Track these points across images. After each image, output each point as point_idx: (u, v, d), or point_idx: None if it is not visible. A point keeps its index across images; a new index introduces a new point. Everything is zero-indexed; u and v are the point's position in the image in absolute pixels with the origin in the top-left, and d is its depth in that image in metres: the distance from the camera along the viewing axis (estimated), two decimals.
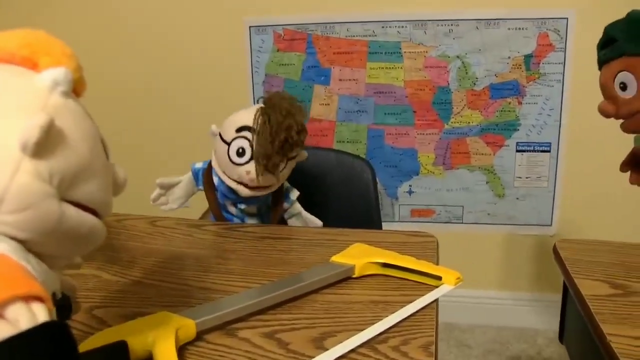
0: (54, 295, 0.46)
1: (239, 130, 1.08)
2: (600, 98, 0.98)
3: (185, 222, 1.14)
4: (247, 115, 1.09)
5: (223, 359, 0.66)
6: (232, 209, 1.20)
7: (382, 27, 2.07)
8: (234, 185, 1.11)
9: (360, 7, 2.08)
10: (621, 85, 0.95)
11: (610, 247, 0.99)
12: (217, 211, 1.20)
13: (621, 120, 1.00)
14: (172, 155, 2.28)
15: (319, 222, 1.25)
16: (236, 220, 1.21)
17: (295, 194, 1.23)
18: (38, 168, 0.41)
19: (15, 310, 0.38)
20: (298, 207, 1.24)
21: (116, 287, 0.86)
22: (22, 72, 0.46)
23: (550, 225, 2.18)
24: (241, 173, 1.08)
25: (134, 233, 1.08)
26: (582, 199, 2.12)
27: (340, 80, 2.14)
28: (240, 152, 1.07)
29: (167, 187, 1.25)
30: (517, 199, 2.17)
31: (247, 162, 1.07)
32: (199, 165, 1.23)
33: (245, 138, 1.07)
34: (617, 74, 0.95)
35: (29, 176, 0.41)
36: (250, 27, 2.15)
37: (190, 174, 1.23)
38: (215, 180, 1.17)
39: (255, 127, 1.06)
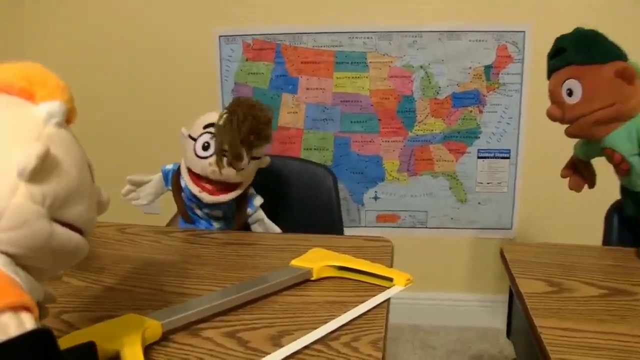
0: (38, 304, 0.51)
1: (206, 127, 1.16)
2: None
3: (154, 228, 1.18)
4: (215, 115, 1.17)
5: (187, 357, 0.70)
6: (199, 212, 1.25)
7: (349, 37, 2.13)
8: (196, 191, 1.17)
9: (328, 19, 2.14)
10: (568, 91, 1.04)
11: (551, 249, 1.06)
12: (185, 213, 1.25)
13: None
14: (143, 161, 2.31)
15: (278, 230, 1.30)
16: (203, 222, 1.26)
17: (259, 200, 1.28)
18: (32, 191, 0.47)
19: (5, 319, 0.43)
20: (261, 213, 1.29)
21: (85, 292, 0.89)
22: (20, 103, 0.51)
23: (511, 228, 2.25)
24: (204, 165, 1.14)
25: (103, 240, 1.12)
26: (541, 203, 2.20)
27: (307, 89, 2.19)
28: (206, 146, 1.14)
29: (137, 184, 1.31)
30: (479, 203, 2.24)
31: (211, 155, 1.14)
32: (169, 166, 1.29)
33: (211, 133, 1.14)
34: (564, 81, 1.04)
35: (24, 198, 0.46)
36: (220, 36, 2.19)
37: (160, 174, 1.29)
38: (183, 183, 1.23)
39: (220, 122, 1.14)
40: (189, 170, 1.19)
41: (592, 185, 1.20)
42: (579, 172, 1.20)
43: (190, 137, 1.18)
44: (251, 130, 1.13)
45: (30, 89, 0.51)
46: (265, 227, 1.29)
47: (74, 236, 0.51)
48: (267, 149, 1.22)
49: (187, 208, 1.25)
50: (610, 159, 1.06)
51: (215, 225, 1.27)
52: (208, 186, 1.17)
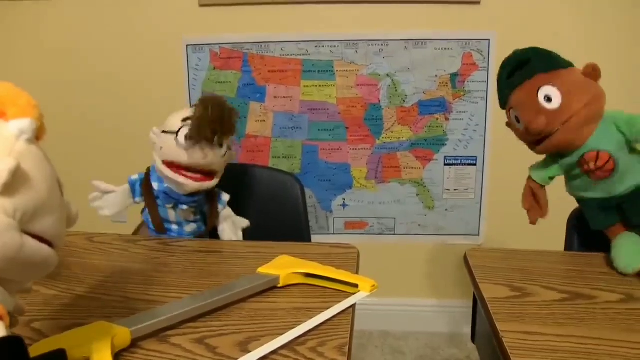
0: (8, 314, 0.52)
1: (184, 120, 1.19)
2: None
3: (122, 237, 1.18)
4: (187, 110, 1.22)
5: None
6: (172, 214, 1.25)
7: (316, 46, 2.15)
8: (181, 179, 1.20)
9: (295, 27, 2.15)
10: (546, 98, 1.02)
11: (514, 255, 1.08)
12: (157, 219, 1.26)
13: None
14: (110, 168, 2.30)
15: (246, 221, 1.35)
16: (174, 227, 1.27)
17: (226, 196, 1.32)
18: (4, 204, 0.48)
19: None
20: (229, 210, 1.33)
21: (55, 301, 0.89)
22: None
23: (478, 235, 2.28)
24: (190, 153, 1.18)
25: (72, 249, 1.12)
26: (507, 209, 2.21)
27: (275, 97, 2.20)
28: (188, 137, 1.17)
29: (101, 191, 1.30)
30: (446, 210, 2.27)
31: (194, 145, 1.18)
32: (135, 177, 1.28)
33: (188, 125, 1.18)
34: (538, 89, 1.03)
35: None
36: (187, 45, 2.19)
37: (126, 185, 1.28)
38: (156, 185, 1.24)
39: (195, 114, 1.18)
40: (169, 164, 1.21)
41: (545, 214, 1.20)
42: (536, 201, 1.20)
43: (166, 132, 1.21)
44: (224, 116, 1.19)
45: (1, 107, 0.53)
46: (233, 221, 1.33)
47: (44, 248, 0.53)
48: (233, 145, 1.26)
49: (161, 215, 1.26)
50: (590, 164, 1.04)
51: (187, 229, 1.28)
52: (191, 174, 1.20)
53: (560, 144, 1.06)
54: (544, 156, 1.17)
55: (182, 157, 1.19)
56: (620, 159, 1.02)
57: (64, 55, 2.25)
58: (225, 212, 1.33)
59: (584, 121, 1.02)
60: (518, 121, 1.10)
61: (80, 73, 2.26)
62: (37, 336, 0.76)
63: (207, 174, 1.22)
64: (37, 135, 0.56)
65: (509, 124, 1.17)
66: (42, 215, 0.51)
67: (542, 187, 1.18)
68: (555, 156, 1.12)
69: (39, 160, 0.53)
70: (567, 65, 1.06)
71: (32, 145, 0.53)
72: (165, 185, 1.23)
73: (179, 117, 1.21)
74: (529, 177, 1.19)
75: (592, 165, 1.03)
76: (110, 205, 1.29)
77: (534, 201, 1.20)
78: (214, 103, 1.19)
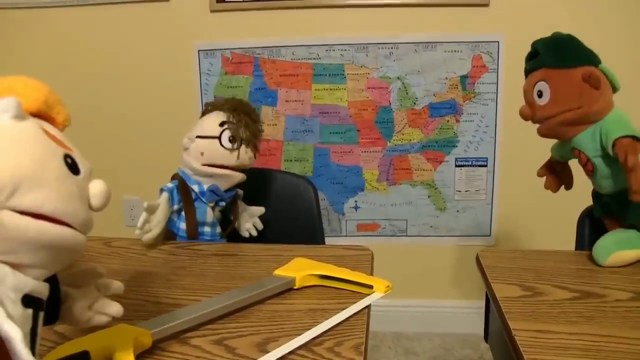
0: (26, 296, 0.51)
1: (222, 124, 1.25)
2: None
3: (139, 241, 1.20)
4: (219, 115, 1.27)
5: None
6: (210, 215, 1.28)
7: (326, 50, 2.17)
8: (228, 171, 1.26)
9: (305, 32, 2.18)
10: (538, 92, 1.08)
11: (525, 255, 1.09)
12: (193, 223, 1.27)
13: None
14: (125, 174, 2.34)
15: (261, 208, 1.40)
16: (207, 229, 1.29)
17: (241, 192, 1.37)
18: None
19: None
20: (243, 203, 1.39)
21: None
22: None
23: (489, 235, 2.29)
24: (236, 154, 1.26)
25: (90, 254, 1.14)
26: (518, 209, 2.24)
27: (286, 101, 2.22)
28: (232, 139, 1.24)
29: (154, 210, 1.23)
30: (458, 211, 2.28)
31: (239, 147, 1.25)
32: (170, 185, 1.27)
33: (229, 129, 1.24)
34: (536, 83, 1.09)
35: None
36: (199, 50, 2.22)
37: (165, 194, 1.25)
38: (196, 187, 1.26)
39: (232, 119, 1.26)
40: (213, 166, 1.26)
41: (568, 186, 1.24)
42: (556, 173, 1.24)
43: (203, 137, 1.26)
44: (258, 119, 1.32)
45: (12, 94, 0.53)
46: (249, 213, 1.39)
47: (48, 226, 0.50)
48: None
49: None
50: (578, 160, 1.11)
51: (218, 230, 1.31)
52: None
53: (544, 135, 1.12)
54: None
55: (230, 159, 1.25)
56: (599, 163, 1.06)
57: (77, 62, 2.28)
58: (241, 205, 1.38)
59: (569, 122, 1.06)
60: None
61: (93, 79, 2.29)
62: (60, 339, 0.77)
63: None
64: (55, 122, 0.58)
65: None
66: (28, 189, 0.49)
67: (558, 161, 1.23)
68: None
69: (26, 135, 0.51)
70: (575, 63, 1.07)
71: (19, 122, 0.52)
72: (207, 185, 1.26)
73: (214, 122, 1.26)
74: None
75: (579, 163, 1.11)
76: (157, 223, 1.23)
77: (550, 172, 1.26)
78: (246, 106, 1.29)
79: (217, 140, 1.24)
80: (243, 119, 1.26)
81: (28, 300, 0.50)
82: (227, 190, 1.28)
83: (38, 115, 0.56)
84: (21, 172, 0.49)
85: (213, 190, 1.25)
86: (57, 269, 0.57)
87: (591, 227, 1.27)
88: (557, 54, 1.08)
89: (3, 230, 0.48)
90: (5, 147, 0.49)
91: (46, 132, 0.54)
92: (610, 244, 1.05)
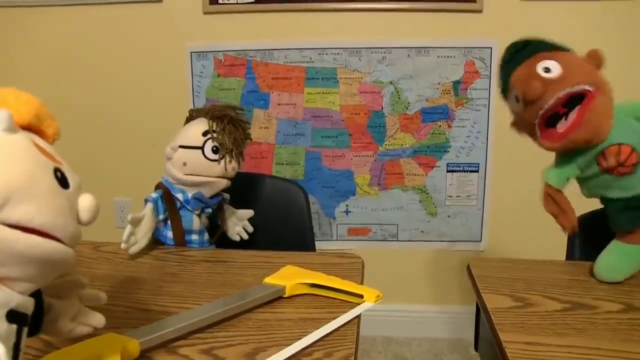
0: (11, 311, 0.50)
1: (205, 134, 1.23)
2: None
3: None
4: (202, 123, 1.25)
5: None
6: (197, 222, 1.27)
7: (319, 54, 2.17)
8: (211, 179, 1.24)
9: (298, 35, 2.17)
10: (545, 69, 0.97)
11: (516, 264, 1.09)
12: (180, 231, 1.26)
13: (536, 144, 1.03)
14: (115, 175, 2.33)
15: (250, 211, 1.38)
16: (195, 237, 1.28)
17: (227, 196, 1.34)
18: None
19: None
20: (231, 207, 1.37)
21: None
22: None
23: (480, 241, 2.30)
24: (221, 166, 1.23)
25: (79, 259, 1.12)
26: (509, 215, 2.25)
27: (279, 104, 2.22)
28: (215, 150, 1.22)
29: (138, 222, 1.19)
30: (449, 216, 2.28)
31: (222, 158, 1.23)
32: (154, 195, 1.24)
33: (213, 139, 1.22)
34: (538, 63, 0.98)
35: None
36: (191, 52, 2.21)
37: (150, 205, 1.22)
38: (180, 196, 1.24)
39: (216, 128, 1.23)
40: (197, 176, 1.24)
41: (573, 220, 1.06)
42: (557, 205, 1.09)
43: (186, 147, 1.23)
44: (245, 127, 1.29)
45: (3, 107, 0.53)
46: (237, 216, 1.38)
47: (38, 240, 0.50)
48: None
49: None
50: (611, 160, 0.98)
51: (206, 237, 1.30)
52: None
53: (564, 145, 1.00)
54: (553, 158, 1.09)
55: (214, 170, 1.23)
56: None
57: (69, 62, 2.27)
58: (228, 209, 1.36)
59: (596, 107, 0.96)
60: (517, 100, 1.03)
61: (85, 80, 2.28)
62: (47, 348, 0.77)
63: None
64: (44, 134, 0.57)
65: (513, 123, 1.09)
66: (18, 202, 0.49)
67: (560, 191, 1.07)
68: (569, 155, 1.04)
69: (15, 147, 0.51)
70: (568, 49, 1.03)
71: (10, 135, 0.52)
72: (191, 193, 1.24)
73: (197, 131, 1.23)
74: (545, 183, 1.08)
75: (613, 161, 0.98)
76: (143, 234, 1.20)
77: (556, 206, 1.08)
78: (231, 112, 1.26)
79: (200, 151, 1.21)
80: (227, 127, 1.24)
81: (12, 316, 0.50)
82: (212, 197, 1.27)
83: (29, 128, 0.56)
84: (12, 184, 0.48)
85: (198, 198, 1.24)
86: (45, 282, 0.57)
87: (582, 237, 1.27)
88: (549, 42, 1.03)
89: None
90: None
91: (36, 146, 0.54)
92: (623, 266, 1.00)
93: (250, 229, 1.37)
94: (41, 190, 0.51)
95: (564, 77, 0.96)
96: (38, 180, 0.51)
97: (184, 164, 1.22)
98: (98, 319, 0.70)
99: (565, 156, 1.05)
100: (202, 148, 1.21)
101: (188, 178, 1.23)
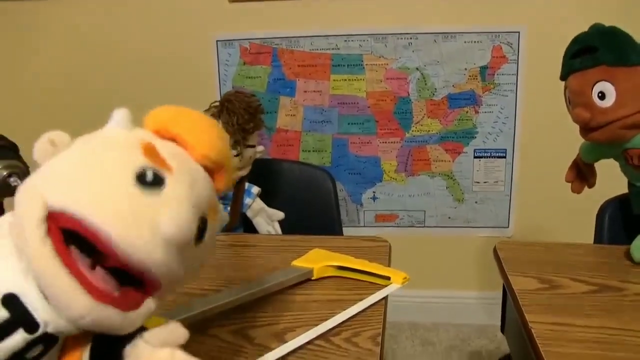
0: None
1: None
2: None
3: None
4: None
5: (196, 353, 0.74)
6: None
7: (345, 40, 2.17)
8: None
9: (324, 22, 2.17)
10: (599, 94, 0.97)
11: (543, 247, 1.09)
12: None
13: (574, 127, 1.04)
14: None
15: (281, 213, 1.37)
16: None
17: (256, 189, 1.34)
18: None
19: None
20: (260, 202, 1.35)
21: None
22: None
23: (508, 227, 2.29)
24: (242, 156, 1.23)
25: None
26: (536, 201, 2.24)
27: (305, 91, 2.23)
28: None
29: None
30: (476, 202, 2.28)
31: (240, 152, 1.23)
32: None
33: None
34: (595, 83, 0.97)
35: None
36: (217, 41, 2.23)
37: None
38: None
39: (210, 114, 1.23)
40: None
41: (592, 185, 1.19)
42: (581, 173, 1.19)
43: None
44: (245, 117, 1.23)
45: (175, 132, 0.55)
46: (268, 214, 1.36)
47: None
48: (264, 139, 1.28)
49: None
50: (634, 159, 1.02)
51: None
52: None
53: (599, 141, 1.03)
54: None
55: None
56: None
57: (93, 52, 2.30)
58: (257, 205, 1.35)
59: (631, 126, 0.97)
60: (569, 102, 1.05)
61: (111, 70, 2.31)
62: None
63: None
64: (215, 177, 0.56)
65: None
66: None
67: (587, 164, 1.17)
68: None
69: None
70: (637, 61, 0.98)
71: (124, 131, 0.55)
72: None
73: None
74: (578, 153, 1.17)
75: (635, 161, 1.01)
76: None
77: (577, 175, 1.20)
78: (239, 105, 1.24)
79: None
80: (223, 116, 1.22)
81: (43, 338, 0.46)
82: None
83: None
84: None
85: None
86: None
87: (610, 220, 1.27)
88: (618, 50, 0.98)
89: None
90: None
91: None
92: None
93: (279, 232, 1.37)
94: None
95: (615, 108, 0.97)
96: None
97: None
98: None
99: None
100: None
101: None
